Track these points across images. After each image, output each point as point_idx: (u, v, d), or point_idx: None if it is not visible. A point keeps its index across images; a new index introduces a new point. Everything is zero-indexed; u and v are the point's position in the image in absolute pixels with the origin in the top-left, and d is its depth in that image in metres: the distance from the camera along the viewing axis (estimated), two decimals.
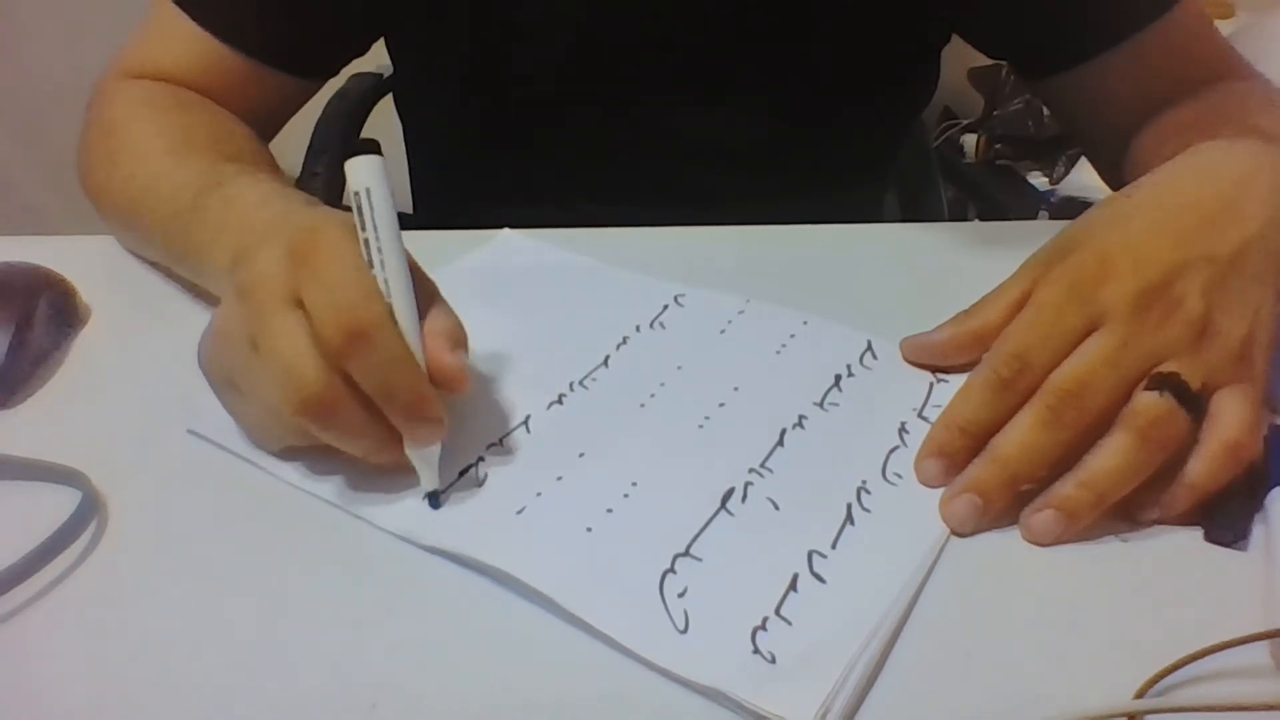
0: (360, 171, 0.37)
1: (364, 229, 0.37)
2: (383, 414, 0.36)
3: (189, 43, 0.60)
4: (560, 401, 0.44)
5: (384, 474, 0.39)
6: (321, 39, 0.63)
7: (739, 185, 0.67)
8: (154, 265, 0.56)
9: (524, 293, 0.52)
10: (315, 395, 0.35)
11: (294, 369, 0.35)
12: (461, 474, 0.39)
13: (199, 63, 0.61)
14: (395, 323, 0.36)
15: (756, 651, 0.32)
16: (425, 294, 0.39)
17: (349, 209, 0.38)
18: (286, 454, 0.40)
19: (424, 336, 0.37)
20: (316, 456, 0.40)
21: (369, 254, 0.37)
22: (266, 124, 0.63)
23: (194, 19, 0.60)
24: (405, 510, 0.38)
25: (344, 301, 0.35)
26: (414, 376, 0.36)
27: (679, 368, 0.46)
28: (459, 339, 0.38)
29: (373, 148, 0.38)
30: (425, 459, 0.38)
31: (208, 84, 0.61)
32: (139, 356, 0.48)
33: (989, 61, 1.53)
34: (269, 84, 0.62)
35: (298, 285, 0.36)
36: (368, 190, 0.37)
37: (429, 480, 0.38)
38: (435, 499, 0.38)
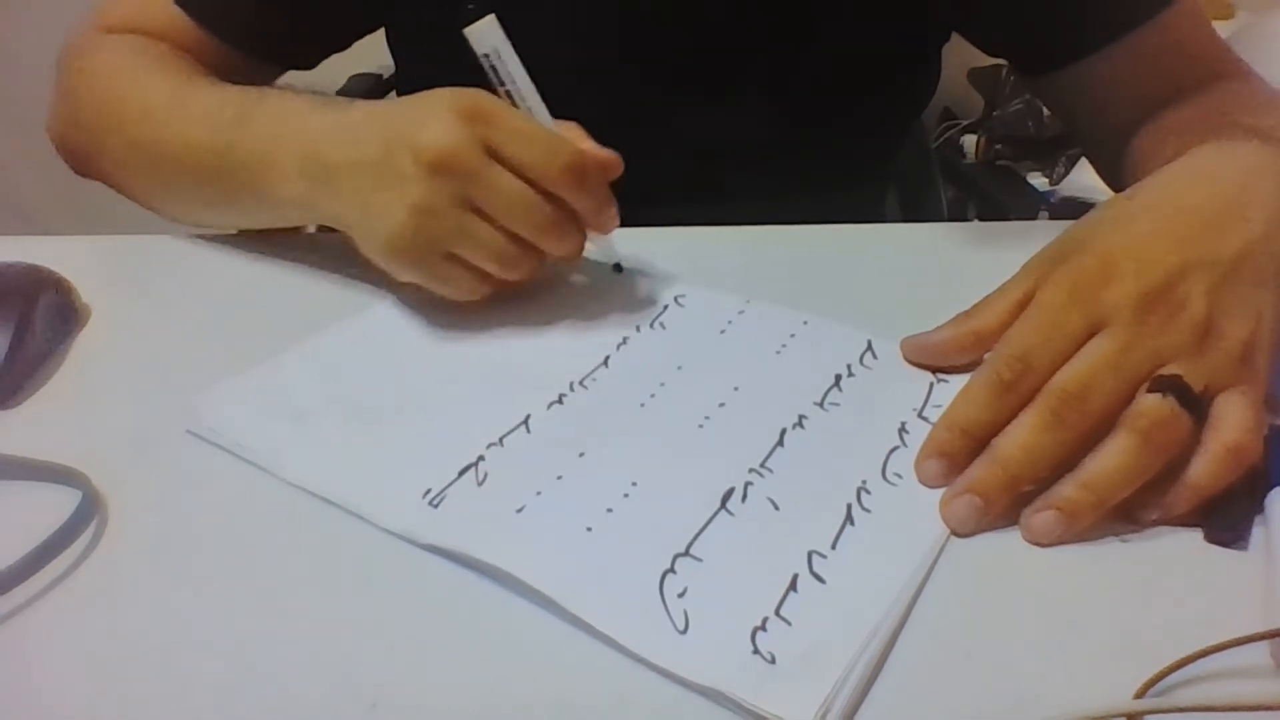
0: (484, 35, 0.44)
1: (502, 84, 0.45)
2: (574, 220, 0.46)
3: (157, 6, 0.61)
4: (560, 401, 0.44)
5: (383, 473, 0.39)
6: (275, 28, 0.63)
7: (740, 184, 0.67)
8: (154, 265, 0.56)
9: (524, 292, 0.52)
10: (554, 218, 0.44)
11: (533, 203, 0.44)
12: (461, 473, 0.39)
13: (163, 27, 0.61)
14: None
15: (756, 652, 0.32)
16: None
17: None
18: (288, 450, 0.40)
19: None
20: (316, 455, 0.40)
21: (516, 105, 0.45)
22: None
23: None
24: (405, 509, 0.38)
25: (550, 147, 0.43)
26: (608, 190, 0.46)
27: (679, 368, 0.46)
28: (587, 138, 0.46)
29: (484, 11, 0.44)
30: (606, 241, 0.50)
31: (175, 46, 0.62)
32: (139, 356, 0.48)
33: (989, 61, 1.53)
34: (221, 58, 0.63)
35: (488, 143, 0.42)
36: (496, 51, 0.44)
37: (612, 252, 0.51)
38: (620, 268, 0.52)
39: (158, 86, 0.56)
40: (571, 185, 0.44)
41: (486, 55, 0.44)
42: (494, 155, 0.43)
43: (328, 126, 0.48)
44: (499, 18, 0.44)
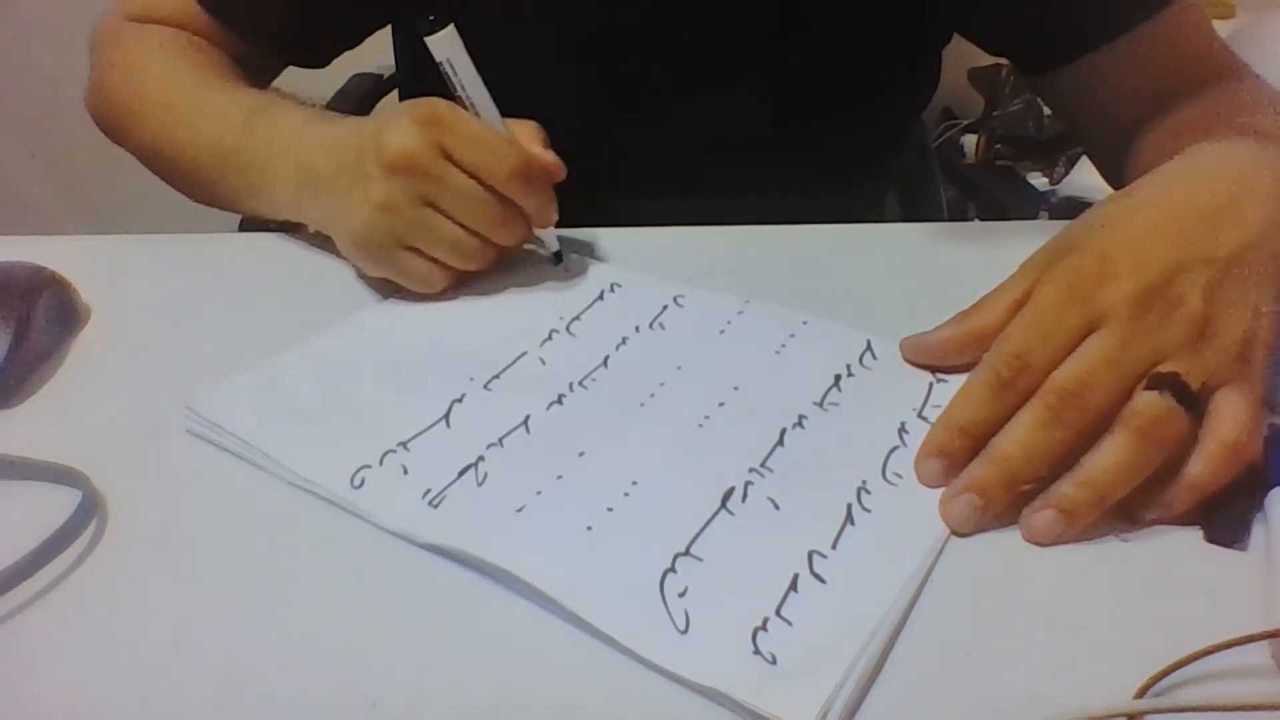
0: (440, 46, 0.47)
1: (456, 90, 0.48)
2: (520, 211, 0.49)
3: None
4: (560, 402, 0.44)
5: (383, 473, 0.39)
6: (290, 25, 0.65)
7: (740, 180, 0.67)
8: (154, 265, 0.56)
9: (524, 293, 0.52)
10: (503, 214, 0.49)
11: (485, 201, 0.48)
12: (461, 474, 0.39)
13: (182, 17, 0.64)
14: None
15: (757, 652, 0.32)
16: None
17: None
18: (288, 450, 0.40)
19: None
20: (316, 454, 0.40)
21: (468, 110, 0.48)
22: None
23: None
24: (405, 509, 0.38)
25: (498, 152, 0.47)
26: (550, 189, 0.50)
27: (679, 368, 0.46)
28: (543, 139, 0.50)
29: (445, 21, 0.47)
30: (549, 231, 0.53)
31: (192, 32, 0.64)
32: (139, 356, 0.48)
33: (989, 61, 1.53)
34: (234, 49, 0.65)
35: (443, 146, 0.46)
36: (449, 61, 0.48)
37: (553, 243, 0.53)
38: (560, 257, 0.54)
39: (179, 84, 0.61)
40: (517, 188, 0.48)
41: (442, 64, 0.47)
42: (448, 157, 0.47)
43: (319, 138, 0.52)
44: (459, 27, 0.47)
